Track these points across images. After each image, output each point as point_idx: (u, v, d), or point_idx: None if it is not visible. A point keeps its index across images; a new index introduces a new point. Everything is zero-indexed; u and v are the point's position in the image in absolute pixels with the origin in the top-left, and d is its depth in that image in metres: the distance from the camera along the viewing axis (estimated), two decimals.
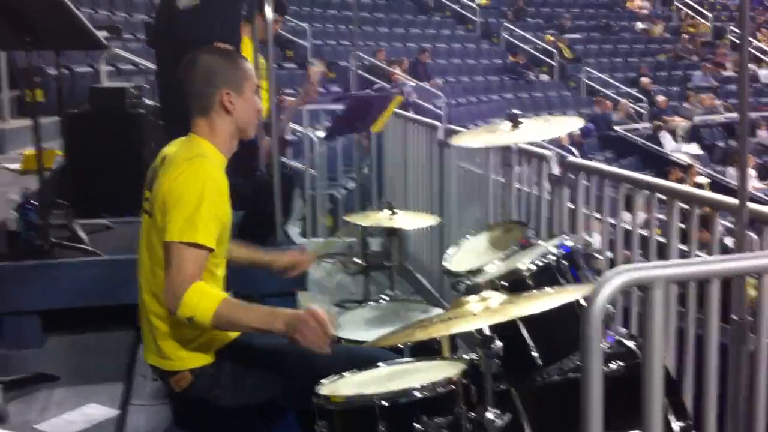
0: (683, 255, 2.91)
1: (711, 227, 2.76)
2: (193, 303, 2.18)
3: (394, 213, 3.57)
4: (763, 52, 20.41)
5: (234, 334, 2.41)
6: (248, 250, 2.73)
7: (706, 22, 22.11)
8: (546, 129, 3.01)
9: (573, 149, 12.97)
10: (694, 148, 15.63)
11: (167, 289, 2.21)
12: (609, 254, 3.38)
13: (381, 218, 3.64)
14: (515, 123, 2.83)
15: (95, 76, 7.27)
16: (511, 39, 18.38)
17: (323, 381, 2.23)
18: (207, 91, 2.40)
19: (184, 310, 2.18)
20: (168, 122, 4.09)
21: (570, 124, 3.39)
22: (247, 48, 4.26)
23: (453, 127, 5.20)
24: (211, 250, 2.27)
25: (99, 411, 2.97)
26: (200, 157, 2.34)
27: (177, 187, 2.27)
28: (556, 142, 12.74)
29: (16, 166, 5.12)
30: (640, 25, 21.38)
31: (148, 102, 5.14)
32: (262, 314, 2.24)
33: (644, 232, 3.13)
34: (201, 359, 2.38)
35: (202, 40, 3.54)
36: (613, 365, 2.18)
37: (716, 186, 12.75)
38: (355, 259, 5.64)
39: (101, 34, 4.15)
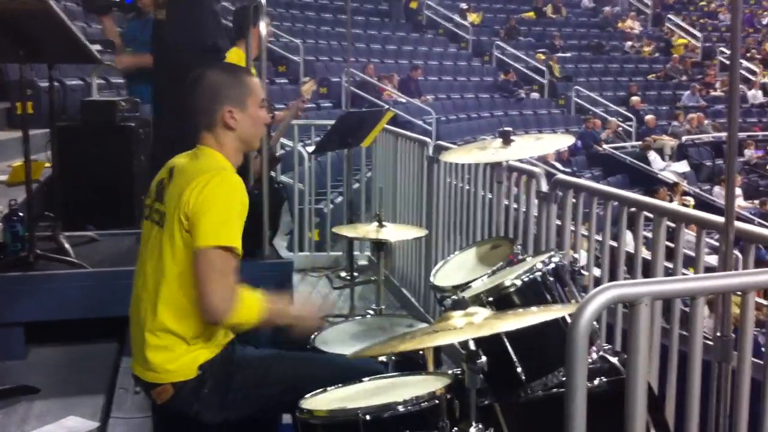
0: (668, 272, 2.92)
1: (697, 245, 2.77)
2: (242, 313, 2.29)
3: (382, 225, 3.58)
4: (752, 72, 20.60)
5: (217, 349, 2.39)
6: None
7: (696, 43, 22.32)
8: (536, 146, 3.03)
9: (558, 165, 13.05)
10: (684, 166, 15.73)
11: (209, 299, 2.24)
12: (596, 271, 3.39)
13: (369, 231, 3.64)
14: (506, 140, 2.84)
15: (86, 89, 7.26)
16: (503, 57, 18.52)
17: (307, 395, 2.23)
18: (210, 108, 2.43)
19: (233, 319, 2.29)
20: (157, 130, 4.10)
21: (560, 141, 3.40)
22: (240, 62, 4.28)
23: (443, 143, 5.21)
24: (238, 255, 2.31)
25: (79, 424, 2.94)
26: (224, 169, 2.37)
27: (208, 196, 2.27)
28: (541, 159, 12.80)
29: (4, 177, 5.10)
30: (630, 44, 21.57)
31: (138, 115, 5.14)
32: (284, 316, 2.46)
33: (630, 250, 3.14)
34: (186, 374, 2.36)
35: (186, 48, 3.63)
36: (596, 381, 2.18)
37: (703, 204, 12.83)
38: (342, 274, 5.66)
39: (95, 48, 4.16)
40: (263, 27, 3.91)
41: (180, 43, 3.78)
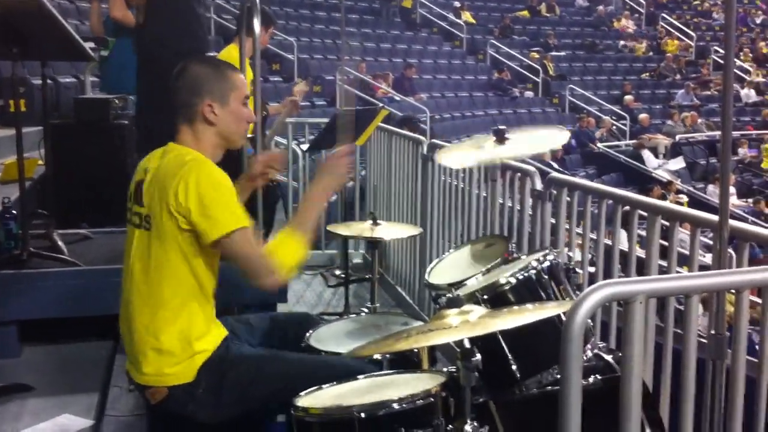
0: (663, 271, 2.92)
1: (691, 244, 2.77)
2: (283, 263, 2.34)
3: (376, 224, 3.58)
4: (745, 71, 20.65)
5: (209, 353, 2.38)
6: None
7: (689, 42, 22.37)
8: (531, 144, 3.01)
9: (552, 163, 13.05)
10: (679, 162, 15.77)
11: (255, 277, 2.34)
12: (590, 269, 3.39)
13: (363, 229, 3.64)
14: (501, 139, 2.83)
15: (79, 87, 7.24)
16: (497, 56, 18.54)
17: (302, 393, 2.23)
18: (191, 101, 2.41)
19: (283, 274, 2.35)
20: (141, 129, 4.14)
21: (555, 137, 3.35)
22: (233, 59, 4.29)
23: (437, 141, 5.21)
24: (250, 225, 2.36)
25: (73, 422, 2.93)
26: (194, 159, 2.34)
27: (200, 191, 2.26)
28: (537, 158, 12.80)
29: None
30: (624, 43, 21.60)
31: (131, 113, 5.13)
32: (314, 200, 2.51)
33: (624, 248, 3.15)
34: (185, 377, 2.35)
35: (166, 53, 3.74)
36: (591, 379, 2.18)
37: (697, 203, 12.86)
38: (336, 272, 5.66)
39: (88, 46, 4.15)
40: (257, 26, 3.91)
41: (159, 42, 3.83)
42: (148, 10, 3.94)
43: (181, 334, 2.33)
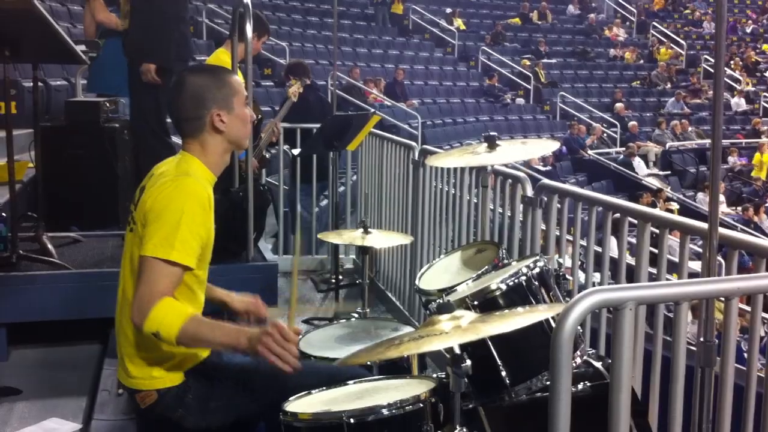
0: (652, 278, 2.93)
1: (681, 251, 2.78)
2: (159, 318, 2.14)
3: (367, 232, 3.58)
4: (735, 80, 20.77)
5: (203, 355, 2.38)
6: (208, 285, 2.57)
7: (680, 50, 22.50)
8: (521, 150, 3.03)
9: (542, 170, 13.10)
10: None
11: (135, 302, 2.18)
12: (580, 276, 3.40)
13: (354, 237, 3.64)
14: (492, 145, 2.84)
15: (70, 90, 7.23)
16: (489, 62, 18.60)
17: (291, 398, 2.22)
18: (197, 114, 2.36)
19: (150, 325, 2.14)
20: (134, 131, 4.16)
21: (545, 146, 3.40)
22: (223, 63, 4.30)
23: (429, 147, 5.21)
24: (187, 268, 2.23)
25: (61, 425, 2.92)
26: (185, 175, 2.30)
27: (158, 204, 2.24)
28: (526, 164, 12.86)
29: None
30: (615, 51, 21.69)
31: (122, 116, 5.13)
32: (228, 331, 2.19)
33: (614, 255, 3.15)
34: (169, 381, 2.34)
35: (149, 61, 3.87)
36: (580, 385, 2.19)
37: (686, 211, 12.92)
38: (327, 276, 5.65)
39: (80, 49, 4.15)
40: (249, 31, 3.92)
41: (140, 48, 3.88)
42: (131, 15, 3.97)
43: None
